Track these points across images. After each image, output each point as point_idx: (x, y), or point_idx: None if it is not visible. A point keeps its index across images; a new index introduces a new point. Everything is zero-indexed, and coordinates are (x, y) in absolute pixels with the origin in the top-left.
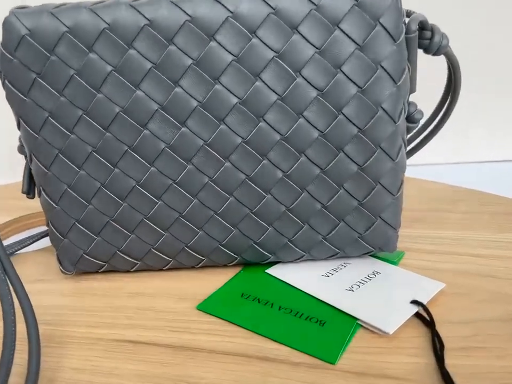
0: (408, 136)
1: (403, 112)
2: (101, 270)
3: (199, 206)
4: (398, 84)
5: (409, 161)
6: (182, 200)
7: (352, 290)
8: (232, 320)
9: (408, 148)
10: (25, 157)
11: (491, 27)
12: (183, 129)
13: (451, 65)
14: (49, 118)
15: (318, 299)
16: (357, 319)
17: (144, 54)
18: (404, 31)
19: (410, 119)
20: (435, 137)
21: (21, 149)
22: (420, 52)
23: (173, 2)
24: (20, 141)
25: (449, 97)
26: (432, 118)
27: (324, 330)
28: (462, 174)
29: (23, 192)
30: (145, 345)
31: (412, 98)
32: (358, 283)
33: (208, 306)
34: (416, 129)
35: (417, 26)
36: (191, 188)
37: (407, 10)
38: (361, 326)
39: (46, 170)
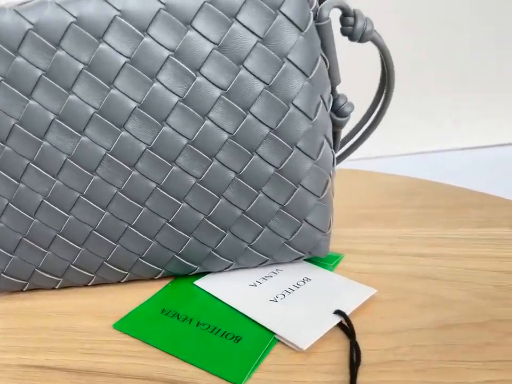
0: (345, 133)
1: (322, 107)
2: (25, 288)
3: (112, 219)
4: (310, 76)
5: (363, 155)
6: (92, 213)
7: (276, 301)
8: (145, 339)
9: (350, 143)
10: None
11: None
12: (82, 138)
13: (381, 51)
14: None
15: (240, 312)
16: (274, 333)
17: (32, 61)
18: (312, 19)
19: (339, 113)
20: (389, 127)
21: None
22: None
23: (58, 3)
24: None
25: (385, 84)
26: (372, 109)
27: (237, 347)
28: (423, 165)
29: None
30: (52, 371)
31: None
32: (284, 292)
33: (124, 325)
34: (350, 122)
35: (341, 13)
36: (100, 199)
37: None
38: (279, 341)
39: None
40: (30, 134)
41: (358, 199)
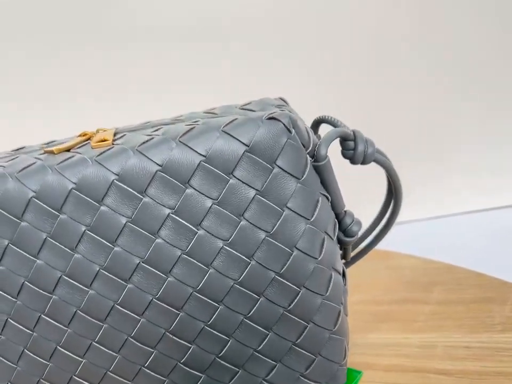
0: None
1: (328, 240)
2: None
3: (124, 361)
4: (312, 219)
5: None
6: (106, 358)
7: None
8: None
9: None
10: None
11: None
12: (90, 291)
13: (385, 170)
14: None
15: None
16: None
17: (36, 225)
18: (309, 165)
19: (347, 232)
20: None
21: None
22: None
23: (58, 170)
24: None
25: (392, 198)
26: (378, 220)
27: None
28: (439, 229)
29: None
30: None
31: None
32: None
33: None
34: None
35: (340, 140)
36: (112, 345)
37: (322, 117)
38: None
39: None
40: (40, 290)
41: (373, 291)
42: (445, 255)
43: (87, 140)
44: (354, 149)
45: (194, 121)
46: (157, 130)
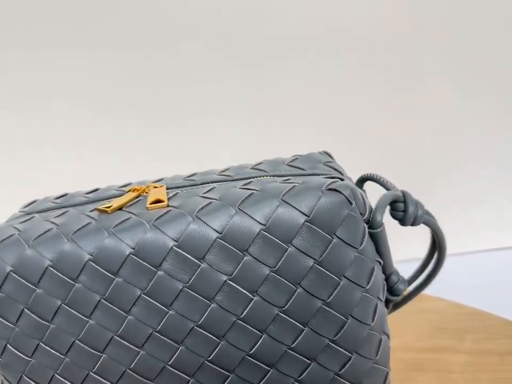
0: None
1: (380, 305)
2: None
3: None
4: (367, 287)
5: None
6: None
7: None
8: None
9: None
10: None
11: None
12: (141, 352)
13: (433, 233)
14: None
15: None
16: None
17: (90, 288)
18: (367, 233)
19: (393, 291)
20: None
21: None
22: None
23: (114, 232)
24: None
25: (434, 260)
26: (421, 270)
27: None
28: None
29: None
30: None
31: None
32: None
33: None
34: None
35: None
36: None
37: (368, 175)
38: None
39: None
40: (90, 349)
41: (403, 336)
42: (467, 295)
43: (138, 197)
44: (405, 211)
45: (247, 183)
46: (210, 191)
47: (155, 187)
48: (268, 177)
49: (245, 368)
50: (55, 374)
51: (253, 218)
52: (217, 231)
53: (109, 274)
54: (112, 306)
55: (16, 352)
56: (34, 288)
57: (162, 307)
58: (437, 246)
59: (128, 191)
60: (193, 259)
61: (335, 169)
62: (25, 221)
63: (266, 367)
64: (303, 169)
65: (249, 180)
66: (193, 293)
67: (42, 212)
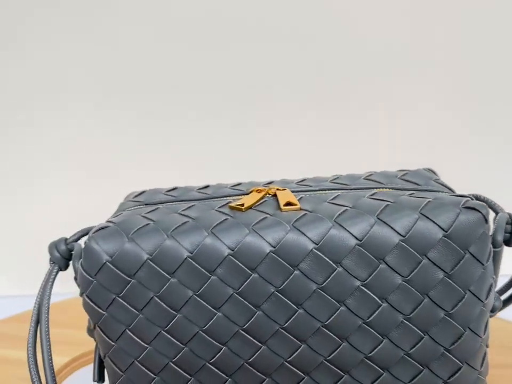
0: None
1: (489, 321)
2: None
3: None
4: (485, 302)
5: None
6: None
7: None
8: None
9: None
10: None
11: None
12: (263, 347)
13: None
14: (127, 331)
15: None
16: None
17: (226, 281)
18: (492, 252)
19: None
20: None
21: (90, 333)
22: None
23: (255, 230)
24: (89, 323)
25: None
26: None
27: None
28: None
29: (94, 381)
30: None
31: None
32: None
33: None
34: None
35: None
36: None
37: (476, 196)
38: None
39: (120, 372)
40: (213, 340)
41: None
42: None
43: (263, 197)
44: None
45: (372, 193)
46: (336, 198)
47: (278, 189)
48: (388, 189)
49: (359, 370)
50: (170, 362)
51: (393, 228)
52: (356, 238)
53: (247, 270)
54: (243, 300)
55: (135, 338)
56: (169, 277)
57: (293, 305)
58: None
59: (251, 191)
60: (331, 262)
61: (446, 186)
62: (152, 211)
63: (380, 370)
64: (418, 185)
65: (372, 191)
66: (325, 294)
67: (163, 203)
